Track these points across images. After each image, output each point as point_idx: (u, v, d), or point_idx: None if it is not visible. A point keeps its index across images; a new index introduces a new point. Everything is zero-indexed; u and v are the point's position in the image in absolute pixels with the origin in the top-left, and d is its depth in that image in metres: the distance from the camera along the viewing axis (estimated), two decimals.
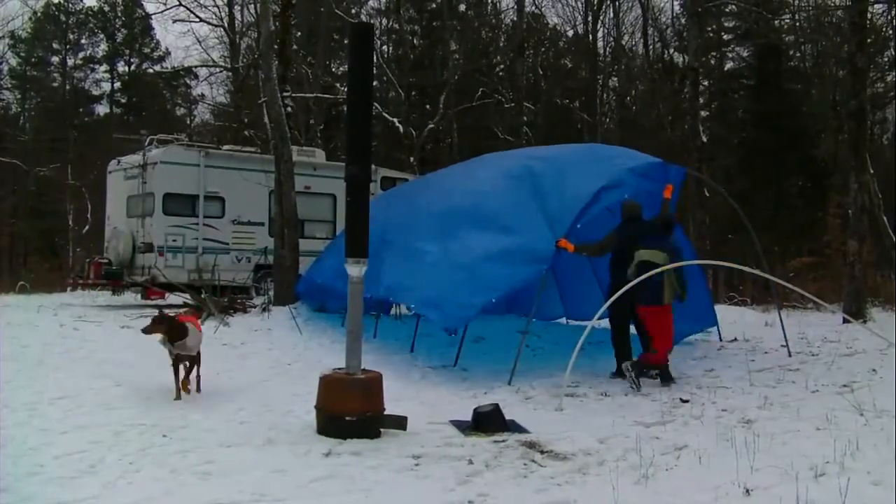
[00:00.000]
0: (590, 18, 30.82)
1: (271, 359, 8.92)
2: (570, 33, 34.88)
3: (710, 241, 20.47)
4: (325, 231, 15.94)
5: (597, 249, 8.47)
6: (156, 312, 7.04)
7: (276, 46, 14.55)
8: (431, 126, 27.69)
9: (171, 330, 6.63)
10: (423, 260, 8.74)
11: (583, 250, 8.38)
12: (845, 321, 10.95)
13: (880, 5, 17.71)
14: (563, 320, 12.31)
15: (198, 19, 26.84)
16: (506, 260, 8.09)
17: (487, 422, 5.82)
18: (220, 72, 31.43)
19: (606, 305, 7.62)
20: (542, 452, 5.21)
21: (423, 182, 12.71)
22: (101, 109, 41.77)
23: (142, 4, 39.67)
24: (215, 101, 34.95)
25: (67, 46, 40.07)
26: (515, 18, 28.78)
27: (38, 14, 37.70)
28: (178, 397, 6.58)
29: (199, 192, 15.10)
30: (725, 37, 33.56)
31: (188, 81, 39.17)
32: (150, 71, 40.71)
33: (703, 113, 25.26)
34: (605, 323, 8.43)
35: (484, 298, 7.88)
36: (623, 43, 32.64)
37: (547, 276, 8.38)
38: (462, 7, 34.12)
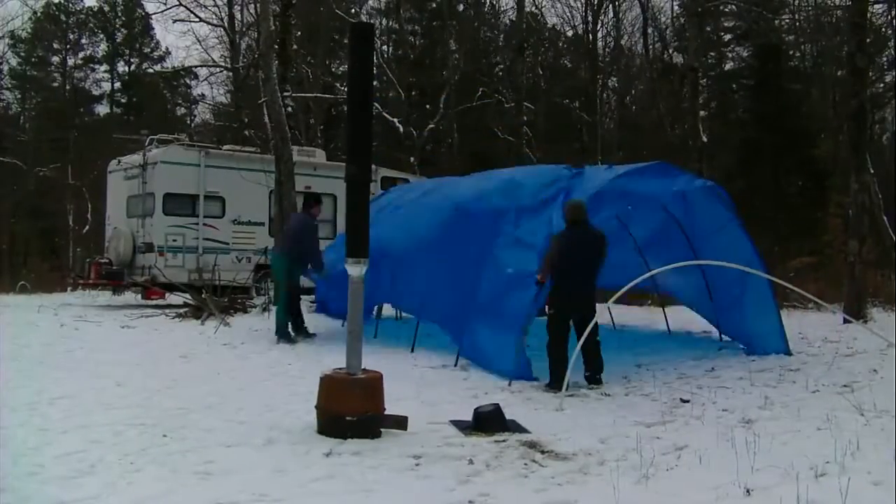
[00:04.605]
0: (590, 18, 30.85)
1: (271, 359, 8.92)
2: (570, 33, 34.92)
3: None
4: (325, 231, 15.92)
5: (547, 263, 7.59)
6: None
7: (276, 46, 14.58)
8: (431, 126, 27.67)
9: None
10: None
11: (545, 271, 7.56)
12: (846, 321, 10.92)
13: (880, 5, 17.71)
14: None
15: (198, 19, 26.92)
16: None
17: (488, 422, 5.81)
18: (221, 72, 31.50)
19: (609, 304, 7.61)
20: (542, 452, 5.20)
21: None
22: (102, 109, 41.84)
23: (142, 4, 39.78)
24: (215, 101, 35.07)
25: (67, 46, 40.09)
26: (515, 18, 28.79)
27: (38, 14, 37.74)
28: None
29: (200, 191, 15.11)
30: (725, 37, 33.55)
31: (188, 81, 39.27)
32: (151, 71, 40.74)
33: (702, 113, 25.21)
34: (607, 321, 8.40)
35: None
36: (623, 43, 32.66)
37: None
38: (461, 7, 34.11)
